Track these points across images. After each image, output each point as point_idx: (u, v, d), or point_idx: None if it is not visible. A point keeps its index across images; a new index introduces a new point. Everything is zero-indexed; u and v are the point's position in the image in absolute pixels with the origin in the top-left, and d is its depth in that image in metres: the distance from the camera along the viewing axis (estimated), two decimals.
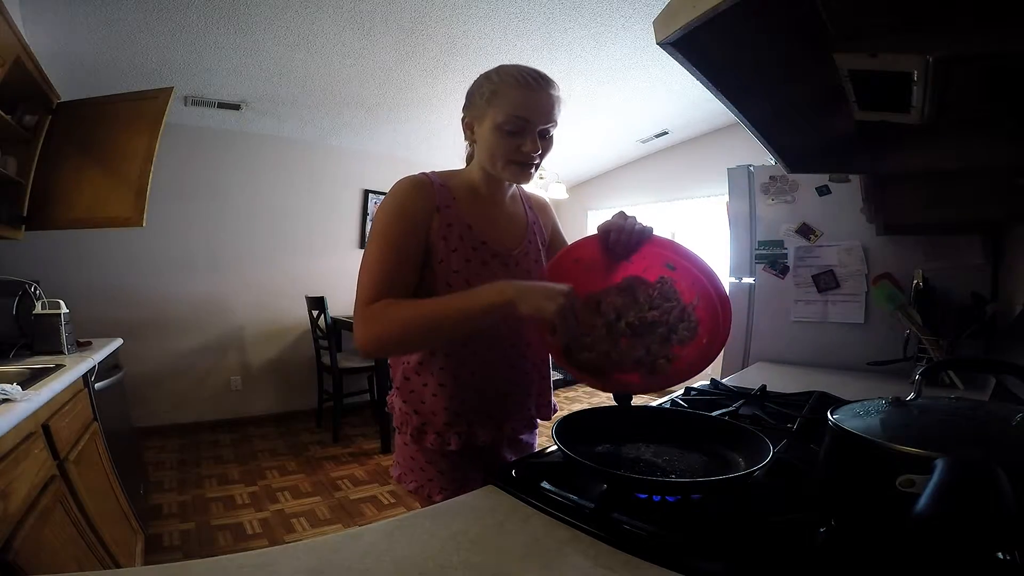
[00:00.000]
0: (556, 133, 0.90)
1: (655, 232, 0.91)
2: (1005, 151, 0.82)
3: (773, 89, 0.77)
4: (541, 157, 0.88)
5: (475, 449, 0.95)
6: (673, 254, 0.91)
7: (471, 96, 0.91)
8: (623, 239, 0.89)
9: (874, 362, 1.57)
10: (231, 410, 3.92)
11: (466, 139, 0.95)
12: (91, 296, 3.25)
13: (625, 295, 0.91)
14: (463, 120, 0.93)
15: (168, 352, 3.70)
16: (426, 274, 0.91)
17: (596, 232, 0.92)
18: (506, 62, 0.90)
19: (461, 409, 0.94)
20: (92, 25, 2.38)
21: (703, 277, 0.88)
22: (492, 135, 0.86)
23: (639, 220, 0.91)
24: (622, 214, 0.91)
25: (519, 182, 0.92)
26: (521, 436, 1.04)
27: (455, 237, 0.91)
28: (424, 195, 0.90)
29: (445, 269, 0.90)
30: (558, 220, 1.14)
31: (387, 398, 1.04)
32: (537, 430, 1.10)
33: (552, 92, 0.87)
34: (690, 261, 0.90)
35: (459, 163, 1.02)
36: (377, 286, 0.85)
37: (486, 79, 0.88)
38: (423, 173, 0.93)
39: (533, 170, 0.90)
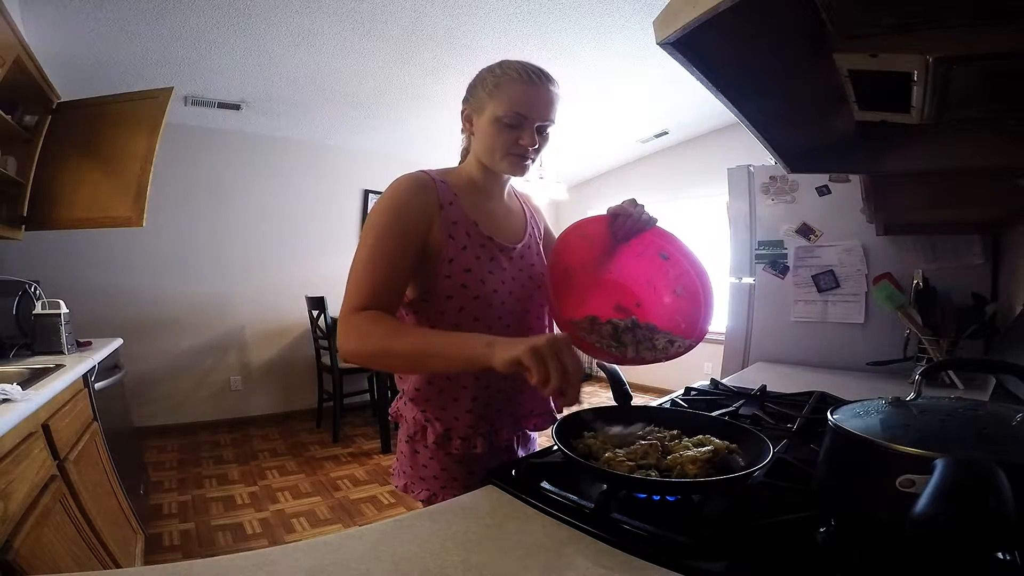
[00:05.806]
0: (553, 131, 0.92)
1: (659, 224, 0.99)
2: (1005, 151, 0.82)
3: (773, 89, 0.77)
4: (537, 152, 0.91)
5: (496, 451, 0.96)
6: (669, 245, 1.00)
7: (473, 88, 0.93)
8: (628, 224, 0.96)
9: (874, 362, 1.57)
10: (231, 410, 3.92)
11: (463, 131, 0.96)
12: (91, 296, 3.25)
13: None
14: (463, 112, 0.95)
15: (168, 352, 3.70)
16: (432, 276, 0.89)
17: (606, 212, 0.98)
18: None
19: (485, 411, 0.95)
20: (92, 25, 2.38)
21: (691, 270, 0.99)
22: (491, 127, 0.88)
23: (647, 210, 0.98)
24: (633, 201, 0.97)
25: (515, 174, 0.93)
26: (539, 433, 1.07)
27: (462, 234, 0.90)
28: (425, 193, 0.89)
29: (456, 268, 0.89)
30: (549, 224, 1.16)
31: (392, 408, 1.03)
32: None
33: (552, 89, 0.88)
34: (683, 254, 1.00)
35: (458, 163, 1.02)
36: (365, 294, 0.82)
37: (489, 72, 0.90)
38: (422, 171, 0.92)
39: (529, 163, 0.91)
